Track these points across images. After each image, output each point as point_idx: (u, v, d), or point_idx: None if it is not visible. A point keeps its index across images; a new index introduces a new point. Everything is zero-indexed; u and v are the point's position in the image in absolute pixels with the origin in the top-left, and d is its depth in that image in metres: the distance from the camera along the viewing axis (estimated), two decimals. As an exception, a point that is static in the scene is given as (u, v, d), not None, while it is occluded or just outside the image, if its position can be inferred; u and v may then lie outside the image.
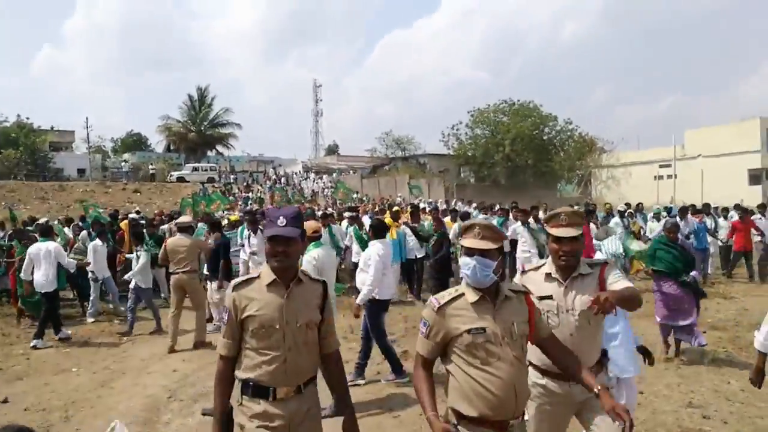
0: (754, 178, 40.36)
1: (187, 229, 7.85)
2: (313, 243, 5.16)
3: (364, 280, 5.53)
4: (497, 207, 15.39)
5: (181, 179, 39.39)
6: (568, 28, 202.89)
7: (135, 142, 59.66)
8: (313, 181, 42.00)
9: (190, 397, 5.57)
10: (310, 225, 5.30)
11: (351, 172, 46.07)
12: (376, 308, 5.63)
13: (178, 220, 8.96)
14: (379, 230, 5.86)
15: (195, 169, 42.12)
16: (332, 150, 64.21)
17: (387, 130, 64.44)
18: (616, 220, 11.78)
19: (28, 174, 37.30)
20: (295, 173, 47.05)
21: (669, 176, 43.15)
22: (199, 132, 51.43)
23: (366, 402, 5.21)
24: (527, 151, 38.49)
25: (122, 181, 38.66)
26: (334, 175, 44.45)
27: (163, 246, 7.77)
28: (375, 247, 5.63)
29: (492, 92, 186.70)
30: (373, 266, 5.44)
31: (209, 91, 52.94)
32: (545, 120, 39.72)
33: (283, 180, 42.06)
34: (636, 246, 8.10)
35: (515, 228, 10.03)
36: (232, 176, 43.21)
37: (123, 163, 49.31)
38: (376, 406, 5.18)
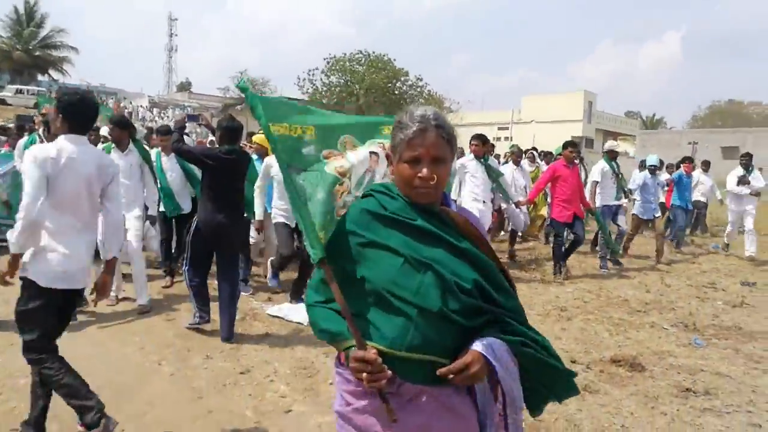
0: (575, 145, 45.57)
1: None
2: None
3: None
4: None
5: (1, 101, 35.14)
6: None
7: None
8: (156, 117, 39.63)
9: None
10: None
11: (191, 109, 44.03)
12: None
13: None
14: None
15: (19, 91, 37.43)
16: (184, 87, 60.52)
17: (242, 69, 62.18)
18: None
19: None
20: (141, 107, 44.00)
21: (506, 138, 47.32)
22: (27, 51, 45.68)
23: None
24: (379, 104, 39.67)
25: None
26: (179, 111, 42.40)
27: None
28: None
29: (357, 47, 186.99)
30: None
31: (39, 8, 46.87)
32: (398, 74, 41.01)
33: (125, 113, 39.15)
34: None
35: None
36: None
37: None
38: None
